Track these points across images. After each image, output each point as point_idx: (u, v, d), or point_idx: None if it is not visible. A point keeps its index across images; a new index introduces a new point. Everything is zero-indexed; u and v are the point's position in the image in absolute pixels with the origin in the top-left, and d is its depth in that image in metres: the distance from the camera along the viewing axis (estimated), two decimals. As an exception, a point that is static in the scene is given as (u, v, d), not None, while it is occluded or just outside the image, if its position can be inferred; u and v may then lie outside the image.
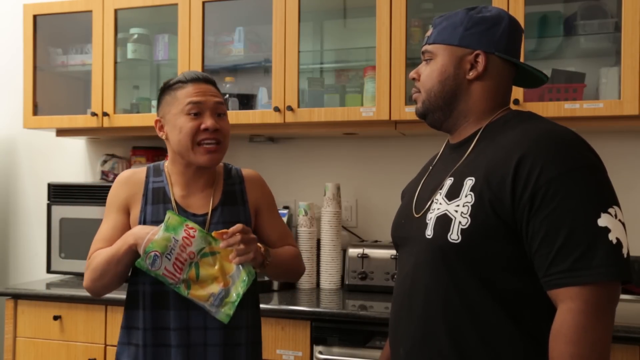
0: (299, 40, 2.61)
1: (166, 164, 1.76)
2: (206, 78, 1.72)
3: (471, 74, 1.33)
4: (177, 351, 1.63)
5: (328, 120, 2.59)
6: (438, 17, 1.40)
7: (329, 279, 2.71)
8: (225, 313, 1.60)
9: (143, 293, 1.67)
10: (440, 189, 1.31)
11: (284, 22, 2.62)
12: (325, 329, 2.28)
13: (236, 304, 1.60)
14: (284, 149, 3.06)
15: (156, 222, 1.66)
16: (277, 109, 2.61)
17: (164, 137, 1.71)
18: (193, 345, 1.63)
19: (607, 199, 1.18)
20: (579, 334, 1.12)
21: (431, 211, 1.30)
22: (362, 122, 2.56)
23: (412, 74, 1.42)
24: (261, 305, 2.30)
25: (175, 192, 1.71)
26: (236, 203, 1.74)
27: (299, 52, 2.61)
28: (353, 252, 2.66)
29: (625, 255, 1.15)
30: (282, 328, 2.33)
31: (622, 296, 2.40)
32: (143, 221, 1.68)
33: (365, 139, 2.93)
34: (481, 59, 1.32)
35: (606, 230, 1.14)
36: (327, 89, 2.78)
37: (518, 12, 2.33)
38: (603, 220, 1.15)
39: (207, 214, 1.69)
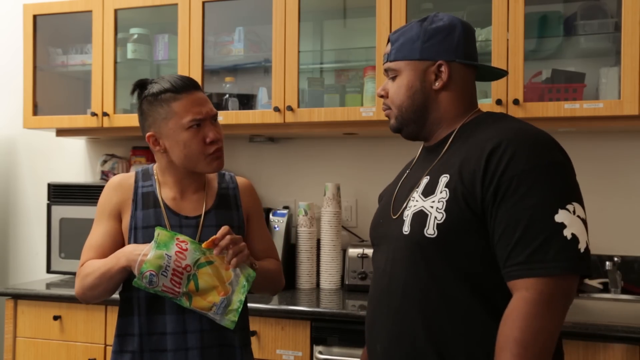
0: (299, 40, 2.61)
1: (155, 167, 1.74)
2: (195, 84, 1.66)
3: (437, 84, 1.38)
4: (174, 355, 1.63)
5: (328, 120, 2.59)
6: (393, 33, 1.44)
7: (329, 279, 2.71)
8: (230, 320, 1.61)
9: (137, 299, 1.66)
10: (417, 187, 1.36)
11: (284, 22, 2.63)
12: (325, 329, 2.28)
13: (240, 310, 1.60)
14: (284, 149, 3.06)
15: (147, 227, 1.65)
16: (277, 109, 2.61)
17: (160, 151, 1.66)
18: (190, 348, 1.63)
19: (567, 195, 1.22)
20: (525, 321, 1.16)
21: (408, 208, 1.34)
22: (362, 122, 2.56)
23: (380, 91, 1.46)
24: (261, 305, 2.32)
25: (166, 195, 1.69)
26: (230, 207, 1.73)
27: (299, 52, 2.61)
28: (353, 252, 2.66)
29: (582, 250, 1.19)
30: (282, 328, 2.33)
31: (622, 296, 2.41)
32: (134, 227, 1.66)
33: (365, 139, 2.93)
34: (444, 69, 1.37)
35: (562, 226, 1.19)
36: (327, 89, 2.78)
37: (518, 12, 2.34)
38: (560, 216, 1.19)
39: (199, 216, 1.68)
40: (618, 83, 2.33)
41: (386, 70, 1.44)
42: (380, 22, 2.51)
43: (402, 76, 1.40)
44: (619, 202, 2.55)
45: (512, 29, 2.34)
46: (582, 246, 1.19)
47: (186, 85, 1.63)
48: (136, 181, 1.71)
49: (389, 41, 1.45)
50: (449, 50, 1.38)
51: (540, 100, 2.42)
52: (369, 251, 2.63)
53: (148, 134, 1.65)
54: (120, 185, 1.71)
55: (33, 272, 3.36)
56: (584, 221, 1.22)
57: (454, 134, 1.38)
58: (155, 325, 1.64)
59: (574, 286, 1.21)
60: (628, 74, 2.24)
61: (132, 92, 1.69)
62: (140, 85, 1.68)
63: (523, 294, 1.18)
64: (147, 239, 1.62)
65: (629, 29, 2.25)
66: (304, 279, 2.71)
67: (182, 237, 1.58)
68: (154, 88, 1.64)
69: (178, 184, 1.70)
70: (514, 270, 1.20)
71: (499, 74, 1.51)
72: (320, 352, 2.26)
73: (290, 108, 2.60)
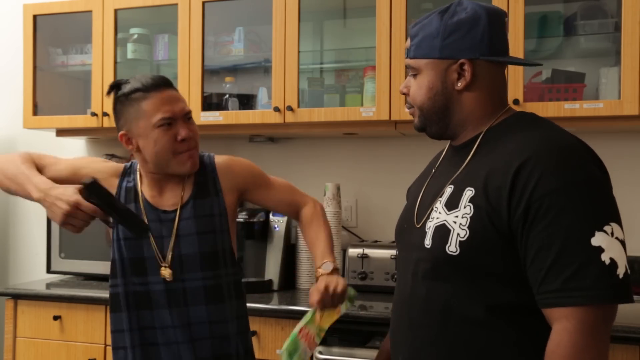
0: (299, 40, 2.61)
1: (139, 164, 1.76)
2: (166, 82, 1.66)
3: (460, 84, 1.27)
4: (167, 349, 1.64)
5: (328, 120, 2.58)
6: (413, 26, 1.33)
7: (329, 279, 2.71)
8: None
9: (125, 294, 1.67)
10: (440, 197, 1.29)
11: (284, 22, 2.62)
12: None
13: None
14: (284, 149, 3.06)
15: None
16: (277, 109, 2.61)
17: (133, 150, 1.67)
18: (181, 342, 1.64)
19: (604, 216, 1.14)
20: (574, 354, 1.10)
21: (430, 220, 1.28)
22: (362, 122, 2.56)
23: (402, 88, 1.37)
24: (261, 306, 2.32)
25: (146, 189, 1.71)
26: (209, 195, 1.70)
27: (299, 52, 2.61)
28: (353, 252, 2.65)
29: (621, 276, 1.11)
30: (282, 328, 2.33)
31: (622, 296, 2.40)
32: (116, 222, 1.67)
33: (365, 139, 2.93)
34: (467, 68, 1.26)
35: (599, 250, 1.10)
36: (327, 89, 2.78)
37: (518, 12, 2.33)
38: (597, 239, 1.11)
39: (175, 210, 1.68)
40: (618, 83, 2.33)
41: (407, 67, 1.35)
42: (380, 22, 2.51)
43: (422, 75, 1.30)
44: (619, 202, 2.54)
45: (512, 29, 2.34)
46: (621, 271, 1.10)
47: (156, 84, 1.63)
48: (122, 176, 1.73)
49: (409, 35, 1.35)
50: (472, 46, 1.25)
51: (540, 100, 2.42)
52: (369, 251, 2.63)
53: (120, 132, 1.67)
54: (112, 177, 1.73)
55: (33, 272, 3.36)
56: (623, 242, 1.14)
57: (480, 137, 1.29)
58: (144, 320, 1.65)
59: (614, 312, 1.14)
60: (628, 74, 2.24)
61: (108, 93, 1.70)
62: (116, 86, 1.69)
63: (564, 324, 1.11)
64: (126, 231, 1.64)
65: (629, 29, 2.25)
66: (304, 279, 2.71)
67: (301, 328, 1.60)
68: (125, 88, 1.65)
69: (156, 181, 1.70)
70: (548, 298, 1.13)
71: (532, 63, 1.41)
72: (320, 352, 2.26)
73: (290, 108, 2.60)
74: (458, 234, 1.20)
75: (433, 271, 1.25)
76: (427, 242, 1.26)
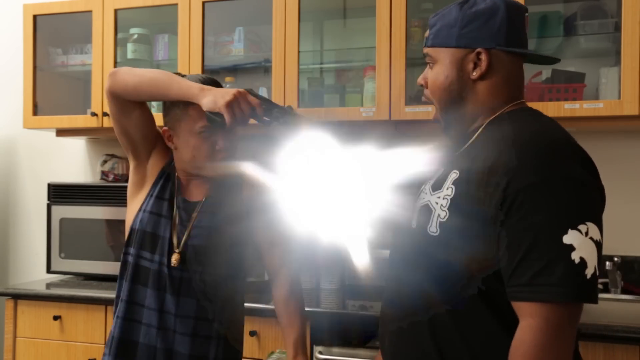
0: (299, 40, 2.61)
1: None
2: (215, 85, 1.68)
3: (475, 74, 1.27)
4: (146, 330, 1.63)
5: (328, 120, 2.58)
6: (432, 17, 1.34)
7: (329, 278, 2.71)
8: None
9: (131, 265, 1.68)
10: (431, 179, 1.31)
11: (284, 22, 2.62)
12: (325, 329, 2.28)
13: None
14: (284, 149, 3.06)
15: (158, 198, 1.68)
16: (277, 109, 2.61)
17: (172, 147, 1.69)
18: (162, 328, 1.63)
19: (580, 214, 1.12)
20: (537, 353, 1.10)
21: (419, 200, 1.30)
22: (362, 122, 2.56)
23: (420, 80, 1.37)
24: (261, 306, 2.31)
25: (180, 175, 1.73)
26: (230, 193, 1.72)
27: (299, 52, 2.61)
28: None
29: (588, 276, 1.10)
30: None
31: (622, 296, 2.41)
32: (150, 194, 1.69)
33: (365, 139, 2.93)
34: (483, 57, 1.26)
35: (570, 248, 1.09)
36: (327, 89, 2.78)
37: (518, 12, 2.33)
38: (569, 238, 1.10)
39: (199, 202, 1.69)
40: (618, 83, 2.33)
41: (424, 56, 1.35)
42: (380, 22, 2.51)
43: (439, 64, 1.30)
44: (619, 202, 2.55)
45: (512, 29, 2.34)
46: (589, 272, 1.10)
47: None
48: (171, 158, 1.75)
49: (428, 25, 1.35)
50: (489, 36, 1.26)
51: (540, 100, 2.42)
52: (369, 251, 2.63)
53: (164, 128, 1.69)
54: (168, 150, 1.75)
55: (33, 272, 3.36)
56: (598, 243, 1.12)
57: (481, 127, 1.29)
58: (135, 294, 1.66)
59: (579, 313, 1.14)
60: (628, 74, 2.24)
61: None
62: None
63: (529, 322, 1.11)
64: (155, 209, 1.67)
65: (629, 29, 2.25)
66: (304, 279, 2.71)
67: None
68: None
69: (188, 174, 1.72)
70: (517, 292, 1.13)
71: (550, 59, 1.39)
72: (320, 352, 2.26)
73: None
74: (439, 215, 1.21)
75: (419, 252, 1.26)
76: (414, 222, 1.28)
